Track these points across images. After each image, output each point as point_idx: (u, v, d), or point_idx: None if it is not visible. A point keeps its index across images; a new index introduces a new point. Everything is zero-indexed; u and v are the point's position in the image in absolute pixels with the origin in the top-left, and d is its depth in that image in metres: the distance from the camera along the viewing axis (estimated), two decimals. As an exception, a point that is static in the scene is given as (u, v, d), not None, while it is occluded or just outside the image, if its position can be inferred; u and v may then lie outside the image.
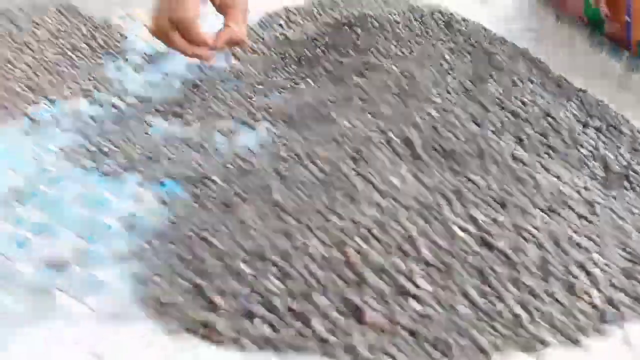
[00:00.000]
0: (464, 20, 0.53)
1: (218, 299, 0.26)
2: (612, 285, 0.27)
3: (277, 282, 0.26)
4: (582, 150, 0.36)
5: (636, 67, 0.50)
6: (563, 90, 0.46)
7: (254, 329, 0.24)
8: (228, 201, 0.32)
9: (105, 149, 0.40)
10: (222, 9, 0.44)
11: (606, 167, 0.36)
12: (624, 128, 0.42)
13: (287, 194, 0.31)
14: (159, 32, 0.42)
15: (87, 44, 0.55)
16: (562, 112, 0.39)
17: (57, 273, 0.31)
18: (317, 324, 0.24)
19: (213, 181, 0.36)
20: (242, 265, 0.27)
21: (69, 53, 0.52)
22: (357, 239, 0.27)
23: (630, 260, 0.28)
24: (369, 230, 0.27)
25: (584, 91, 0.47)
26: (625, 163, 0.37)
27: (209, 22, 0.44)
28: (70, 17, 0.58)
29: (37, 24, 0.54)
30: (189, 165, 0.38)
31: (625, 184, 0.36)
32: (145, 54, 0.57)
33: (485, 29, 0.54)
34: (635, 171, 0.36)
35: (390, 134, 0.33)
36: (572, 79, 0.50)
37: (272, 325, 0.24)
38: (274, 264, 0.27)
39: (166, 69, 0.54)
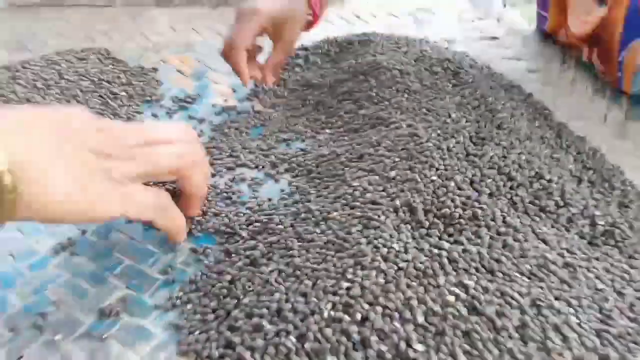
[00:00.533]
0: (471, 68, 0.57)
1: (247, 356, 0.31)
2: (584, 345, 0.31)
3: (294, 341, 0.31)
4: (572, 209, 0.40)
5: (635, 115, 0.54)
6: (562, 140, 0.50)
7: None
8: (254, 260, 0.37)
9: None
10: (273, 39, 0.57)
11: (594, 225, 0.40)
12: (616, 182, 0.45)
13: (305, 257, 0.36)
14: (223, 51, 0.54)
15: (126, 91, 0.61)
16: (558, 170, 0.43)
17: (110, 322, 0.36)
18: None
19: (241, 236, 0.41)
20: (268, 326, 0.32)
21: (111, 102, 0.58)
22: (364, 304, 0.32)
23: (602, 322, 0.33)
24: (374, 296, 0.32)
25: (583, 140, 0.51)
26: (611, 221, 0.41)
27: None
28: (108, 64, 0.64)
29: (81, 75, 0.60)
30: (219, 217, 0.44)
31: (611, 241, 0.40)
32: (176, 97, 0.62)
33: (492, 76, 0.58)
34: (620, 229, 0.40)
35: (397, 201, 0.38)
36: (574, 124, 0.53)
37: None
38: (293, 325, 0.32)
39: (196, 114, 0.59)
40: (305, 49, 0.70)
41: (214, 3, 0.71)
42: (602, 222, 0.40)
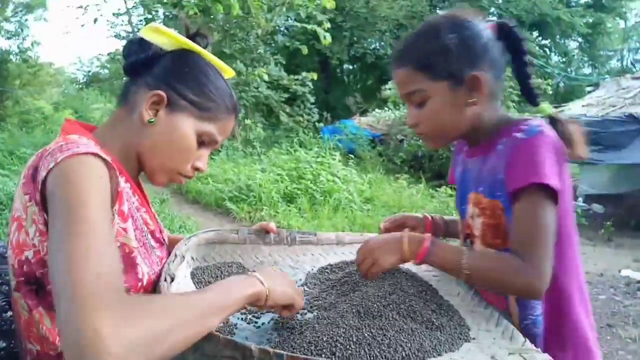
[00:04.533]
0: (407, 280, 1.19)
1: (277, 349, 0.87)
2: (402, 347, 0.86)
3: (305, 345, 0.88)
4: (417, 315, 0.97)
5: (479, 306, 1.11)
6: (437, 300, 1.07)
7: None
8: (299, 327, 0.96)
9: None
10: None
11: (432, 324, 0.96)
12: (451, 313, 1.02)
13: (316, 326, 0.94)
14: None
15: (248, 280, 1.26)
16: (423, 307, 1.01)
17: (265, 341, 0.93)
18: (306, 342, 0.85)
19: (289, 324, 0.99)
20: (297, 339, 0.89)
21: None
22: (332, 334, 0.89)
23: (414, 343, 0.87)
24: (336, 332, 0.89)
25: (447, 301, 1.09)
26: (441, 323, 0.96)
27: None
28: (240, 269, 1.31)
29: (230, 273, 1.26)
30: (283, 321, 1.02)
31: (439, 330, 0.95)
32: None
33: (415, 279, 1.18)
34: (444, 327, 0.95)
35: (354, 310, 0.97)
36: (447, 297, 1.11)
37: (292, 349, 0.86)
38: (306, 340, 0.89)
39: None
40: (332, 265, 1.35)
41: (289, 242, 1.40)
42: (437, 324, 0.96)
